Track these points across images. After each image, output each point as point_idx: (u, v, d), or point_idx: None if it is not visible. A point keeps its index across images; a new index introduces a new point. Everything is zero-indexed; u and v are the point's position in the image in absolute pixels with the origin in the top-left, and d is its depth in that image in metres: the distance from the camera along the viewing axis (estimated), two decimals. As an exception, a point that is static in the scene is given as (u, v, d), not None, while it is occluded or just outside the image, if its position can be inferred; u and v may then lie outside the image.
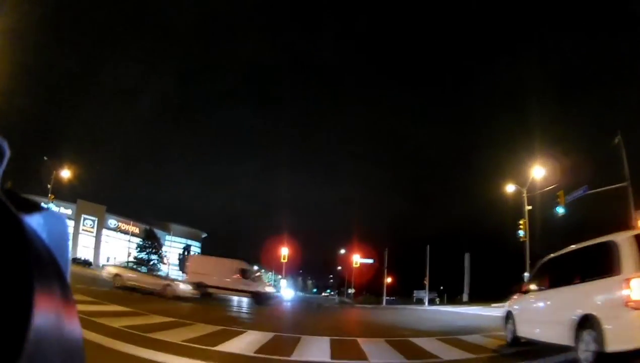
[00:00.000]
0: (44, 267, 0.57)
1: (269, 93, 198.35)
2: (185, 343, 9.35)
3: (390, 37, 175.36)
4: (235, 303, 33.53)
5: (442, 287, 72.36)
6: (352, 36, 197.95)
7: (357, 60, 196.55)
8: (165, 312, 15.03)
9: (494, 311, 28.09)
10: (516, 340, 11.10)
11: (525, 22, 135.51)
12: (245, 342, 10.58)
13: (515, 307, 11.85)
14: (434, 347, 11.28)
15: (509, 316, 11.96)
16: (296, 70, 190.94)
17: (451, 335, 14.06)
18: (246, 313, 22.23)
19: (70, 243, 0.76)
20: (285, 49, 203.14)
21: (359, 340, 12.44)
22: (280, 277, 74.15)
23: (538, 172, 37.54)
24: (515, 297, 12.46)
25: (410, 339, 13.01)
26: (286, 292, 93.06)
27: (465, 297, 65.16)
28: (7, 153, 0.68)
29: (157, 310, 15.54)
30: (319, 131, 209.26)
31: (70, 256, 0.74)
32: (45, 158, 51.16)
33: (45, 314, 0.53)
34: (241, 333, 12.00)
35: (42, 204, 0.69)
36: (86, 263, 79.26)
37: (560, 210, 32.73)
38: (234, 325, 13.56)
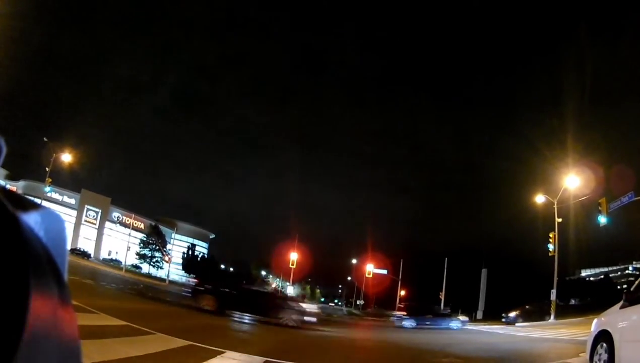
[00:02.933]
0: (41, 266, 0.57)
1: (283, 92, 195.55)
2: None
3: (412, 37, 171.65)
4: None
5: (451, 303, 69.07)
6: (371, 36, 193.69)
7: (375, 61, 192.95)
8: (118, 312, 11.16)
9: (526, 331, 25.26)
10: None
11: (563, 22, 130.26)
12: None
13: (618, 323, 7.91)
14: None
15: (600, 337, 8.27)
16: (313, 70, 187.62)
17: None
18: (224, 319, 17.90)
19: (68, 242, 0.75)
20: (301, 48, 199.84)
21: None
22: (288, 283, 70.66)
23: (571, 181, 34.38)
24: (613, 311, 8.48)
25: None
26: None
27: (479, 315, 61.52)
28: (4, 150, 0.67)
29: (108, 308, 11.62)
30: (334, 134, 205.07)
31: (67, 255, 0.73)
32: (45, 139, 48.47)
33: (42, 315, 0.53)
34: (216, 354, 8.02)
35: (40, 203, 0.70)
36: (85, 255, 76.55)
37: (602, 219, 29.36)
38: (206, 340, 9.48)
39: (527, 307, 39.66)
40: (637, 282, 8.22)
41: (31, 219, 0.61)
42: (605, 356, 8.02)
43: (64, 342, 0.60)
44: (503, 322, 38.32)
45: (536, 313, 37.04)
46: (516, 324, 34.18)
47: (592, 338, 8.81)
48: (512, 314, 38.27)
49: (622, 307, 8.09)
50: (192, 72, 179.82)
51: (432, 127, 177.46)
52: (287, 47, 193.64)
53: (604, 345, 8.16)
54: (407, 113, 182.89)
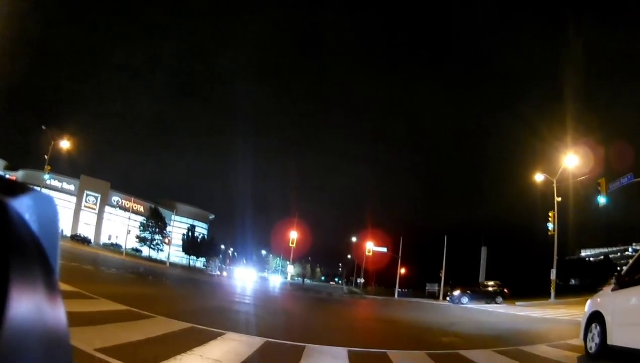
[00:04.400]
0: (26, 254, 0.56)
1: (280, 70, 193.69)
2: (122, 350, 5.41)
3: (410, 12, 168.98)
4: (213, 286, 29.82)
5: (451, 282, 69.27)
6: (369, 8, 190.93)
7: (374, 33, 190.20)
8: (118, 297, 11.17)
9: (526, 311, 25.28)
10: (604, 351, 7.99)
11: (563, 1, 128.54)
12: (218, 354, 6.67)
13: (609, 305, 8.40)
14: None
15: (594, 318, 8.73)
16: (309, 47, 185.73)
17: (509, 345, 10.34)
18: (224, 302, 18.10)
19: (60, 226, 0.73)
20: (297, 25, 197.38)
21: (391, 354, 8.38)
22: (288, 262, 70.87)
23: (571, 160, 34.30)
24: (604, 293, 9.02)
25: (461, 352, 9.03)
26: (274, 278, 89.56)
27: (479, 293, 61.70)
28: None
29: (108, 293, 11.63)
30: (333, 107, 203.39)
31: (59, 240, 0.71)
32: (43, 127, 48.48)
33: (25, 303, 0.52)
34: (216, 336, 8.04)
35: (31, 186, 0.67)
36: (85, 241, 76.58)
37: (601, 199, 29.41)
38: (207, 322, 9.51)
39: (471, 287, 39.32)
40: (628, 266, 8.73)
41: (22, 204, 0.59)
42: (597, 337, 8.40)
43: (52, 333, 0.58)
44: (447, 301, 38.25)
45: (481, 293, 36.85)
46: (515, 303, 34.17)
47: (585, 319, 9.16)
48: (456, 293, 37.71)
49: (613, 290, 8.49)
50: (188, 53, 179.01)
51: (433, 104, 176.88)
52: (282, 25, 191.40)
53: (597, 326, 8.53)
54: (407, 89, 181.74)
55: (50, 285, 0.59)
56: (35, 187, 0.66)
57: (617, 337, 7.80)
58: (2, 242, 0.52)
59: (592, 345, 8.64)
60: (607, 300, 8.73)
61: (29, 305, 0.53)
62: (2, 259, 0.50)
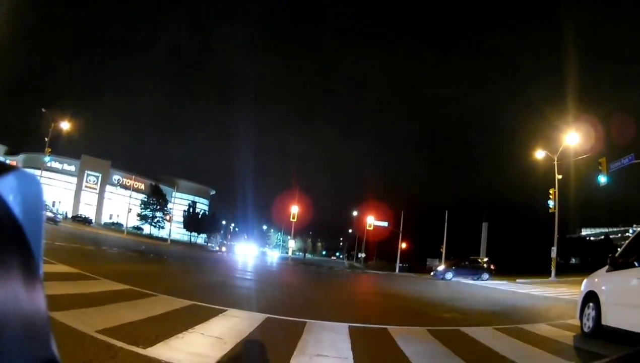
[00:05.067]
0: (1, 238, 0.54)
1: (282, 42, 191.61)
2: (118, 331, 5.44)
3: None
4: (214, 262, 29.91)
5: (452, 256, 69.48)
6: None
7: (378, 7, 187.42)
8: (120, 276, 11.22)
9: (527, 289, 25.50)
10: (599, 330, 8.24)
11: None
12: (219, 331, 6.72)
13: (604, 286, 8.67)
14: (499, 345, 7.61)
15: (589, 298, 9.00)
16: (310, 20, 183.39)
17: (509, 324, 10.34)
18: (225, 278, 18.19)
19: (44, 205, 0.72)
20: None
21: (391, 329, 8.44)
22: (289, 237, 71.10)
23: (572, 138, 34.15)
24: (600, 274, 9.22)
25: (462, 329, 9.09)
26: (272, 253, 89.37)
27: (480, 269, 61.97)
28: None
29: (110, 273, 11.67)
30: (334, 79, 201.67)
31: (44, 221, 0.70)
32: (43, 110, 48.49)
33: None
34: (217, 313, 8.11)
35: (13, 165, 0.65)
36: (86, 221, 76.94)
37: (602, 179, 29.37)
38: (208, 299, 9.58)
39: (457, 262, 38.67)
40: (622, 248, 8.92)
41: (4, 184, 0.58)
42: (593, 314, 8.62)
43: (29, 321, 0.56)
44: (432, 276, 38.03)
45: (467, 269, 36.34)
46: (516, 280, 34.21)
47: (581, 298, 9.43)
48: (441, 268, 37.71)
49: (608, 271, 8.79)
50: (188, 27, 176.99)
51: (435, 80, 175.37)
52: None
53: (592, 305, 8.78)
54: (409, 64, 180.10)
55: (29, 270, 0.57)
56: (40, 171, 0.65)
57: (611, 318, 7.99)
58: None
59: (587, 324, 8.82)
60: (602, 281, 8.94)
61: (3, 292, 0.51)
62: None
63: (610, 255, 9.02)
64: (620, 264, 8.42)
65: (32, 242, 0.61)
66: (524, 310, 14.30)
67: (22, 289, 0.54)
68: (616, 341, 7.78)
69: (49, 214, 39.99)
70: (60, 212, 64.79)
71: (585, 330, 8.86)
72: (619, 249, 9.37)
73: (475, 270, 35.85)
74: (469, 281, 32.86)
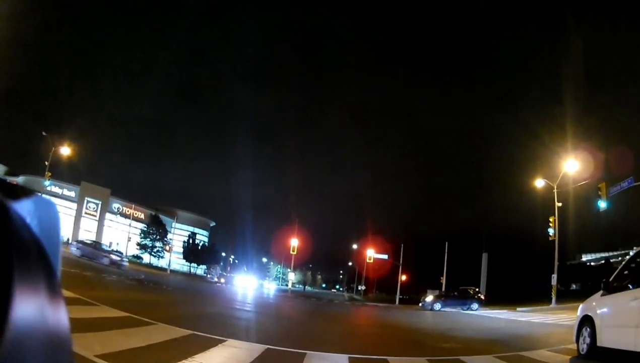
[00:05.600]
0: (28, 257, 0.56)
1: (278, 72, 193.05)
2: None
3: (411, 12, 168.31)
4: (213, 293, 29.68)
5: (452, 288, 69.02)
6: (368, 10, 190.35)
7: (374, 36, 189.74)
8: (119, 303, 11.15)
9: (527, 316, 25.27)
10: (594, 352, 8.65)
11: (562, 3, 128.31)
12: (219, 360, 6.70)
13: (599, 309, 9.09)
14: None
15: (585, 322, 9.40)
16: (308, 52, 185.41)
17: (510, 352, 10.31)
18: (224, 309, 18.06)
19: (61, 229, 0.74)
20: (296, 27, 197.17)
21: (391, 360, 8.39)
22: (289, 270, 70.76)
23: (571, 166, 34.32)
24: (596, 298, 9.65)
25: (461, 358, 9.02)
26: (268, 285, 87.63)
27: (481, 299, 61.49)
28: None
29: (109, 300, 11.61)
30: (332, 112, 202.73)
31: (61, 243, 0.72)
32: (43, 133, 48.50)
33: (28, 307, 0.52)
34: (217, 343, 8.03)
35: (32, 190, 0.68)
36: (86, 248, 76.01)
37: (602, 204, 29.39)
38: (208, 329, 9.52)
39: (446, 293, 38.52)
40: (615, 273, 9.16)
41: (23, 207, 0.59)
42: (588, 339, 8.98)
43: (53, 335, 0.58)
44: (420, 307, 37.48)
45: (456, 299, 35.90)
46: (517, 309, 33.91)
47: (577, 322, 9.79)
48: (429, 299, 37.07)
49: (602, 295, 9.17)
50: (186, 57, 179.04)
51: (433, 109, 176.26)
52: (280, 27, 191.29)
53: (588, 329, 9.12)
54: (407, 94, 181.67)
55: (52, 287, 0.59)
56: (37, 192, 0.67)
57: (605, 339, 8.35)
58: (4, 244, 0.51)
59: (583, 347, 9.18)
60: (596, 304, 9.32)
61: (32, 307, 0.53)
62: (5, 261, 0.50)
63: (604, 279, 9.32)
64: (613, 288, 8.78)
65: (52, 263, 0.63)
66: (524, 338, 14.20)
67: (47, 305, 0.57)
68: (610, 360, 8.08)
69: (115, 257, 40.41)
70: (126, 255, 62.40)
71: (582, 352, 9.19)
72: (614, 273, 9.48)
73: (464, 300, 35.26)
74: (459, 311, 32.61)
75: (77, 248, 38.88)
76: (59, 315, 0.60)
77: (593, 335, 8.80)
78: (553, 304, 33.46)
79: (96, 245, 44.14)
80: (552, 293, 34.45)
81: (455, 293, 37.56)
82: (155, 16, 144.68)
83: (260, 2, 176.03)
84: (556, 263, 35.06)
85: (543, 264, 45.62)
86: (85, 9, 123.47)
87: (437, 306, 34.60)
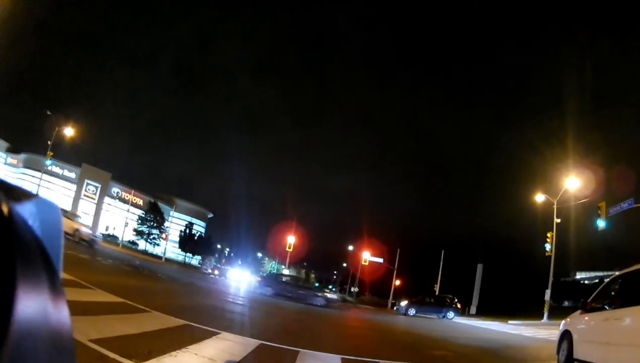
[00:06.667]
0: (31, 259, 0.57)
1: (282, 68, 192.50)
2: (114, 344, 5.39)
3: (415, 16, 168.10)
4: (205, 285, 29.68)
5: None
6: (373, 12, 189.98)
7: (379, 41, 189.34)
8: (114, 288, 11.14)
9: (519, 330, 25.35)
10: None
11: (565, 20, 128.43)
12: (212, 353, 6.66)
13: (576, 326, 10.19)
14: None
15: (564, 336, 10.53)
16: (314, 48, 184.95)
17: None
18: (219, 301, 18.04)
19: (63, 231, 0.74)
20: (302, 24, 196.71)
21: (384, 364, 8.40)
22: (283, 266, 70.67)
23: (572, 182, 34.31)
24: (575, 315, 10.72)
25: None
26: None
27: (473, 310, 61.49)
28: None
29: (104, 284, 11.59)
30: (334, 114, 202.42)
31: (63, 246, 0.72)
32: (48, 112, 48.46)
33: (31, 307, 0.53)
34: (212, 335, 8.04)
35: (34, 192, 0.68)
36: (83, 230, 76.07)
37: (601, 223, 29.52)
38: (202, 320, 9.52)
39: (421, 298, 38.05)
40: (593, 294, 10.08)
41: (25, 209, 0.60)
42: (565, 352, 10.03)
43: (56, 335, 0.59)
44: (395, 310, 37.42)
45: (431, 305, 35.77)
46: (508, 321, 33.84)
47: (559, 336, 10.92)
48: (403, 303, 36.65)
49: (581, 313, 10.12)
50: (193, 46, 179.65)
51: (434, 117, 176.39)
52: (288, 24, 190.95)
53: (566, 342, 10.18)
54: (409, 101, 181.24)
55: (54, 288, 0.60)
56: (41, 174, 0.66)
57: (580, 352, 9.35)
58: (7, 245, 0.52)
59: (561, 358, 10.27)
60: (575, 321, 10.37)
61: (34, 308, 0.53)
62: (8, 262, 0.51)
63: (582, 300, 10.19)
64: (590, 308, 9.70)
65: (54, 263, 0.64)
66: (515, 350, 14.25)
67: (49, 306, 0.58)
68: None
69: (85, 231, 32.11)
70: (122, 239, 60.38)
71: (560, 362, 10.36)
72: (592, 295, 10.31)
73: (439, 308, 34.98)
74: (434, 318, 32.66)
75: None
76: (61, 315, 0.61)
77: (570, 348, 9.83)
78: (545, 319, 33.44)
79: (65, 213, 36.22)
80: (545, 309, 34.43)
81: (432, 300, 37.36)
82: (165, 4, 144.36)
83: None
84: (551, 279, 35.02)
85: (537, 279, 45.57)
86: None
87: (412, 311, 34.34)
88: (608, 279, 10.19)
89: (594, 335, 9.14)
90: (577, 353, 9.43)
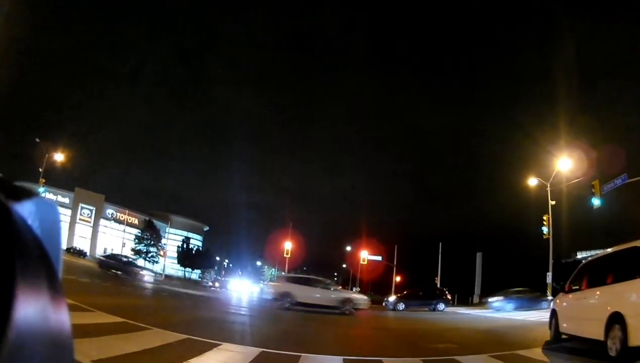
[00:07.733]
0: (30, 257, 0.56)
1: (269, 75, 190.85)
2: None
3: (404, 12, 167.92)
4: (205, 298, 29.67)
5: (447, 288, 68.97)
6: (360, 13, 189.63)
7: (363, 40, 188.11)
8: (114, 309, 11.18)
9: (523, 315, 25.43)
10: (557, 336, 11.46)
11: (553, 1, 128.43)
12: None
13: (560, 305, 12.05)
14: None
15: (553, 314, 12.23)
16: (298, 52, 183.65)
17: (505, 350, 10.42)
18: (219, 313, 18.05)
19: (62, 231, 0.75)
20: (286, 28, 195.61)
21: (386, 361, 8.48)
22: (283, 273, 70.43)
23: (564, 164, 34.43)
24: (559, 296, 12.61)
25: (456, 358, 9.09)
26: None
27: (475, 299, 61.51)
28: None
29: (104, 306, 11.63)
30: (323, 114, 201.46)
31: (62, 244, 0.72)
32: (37, 140, 48.31)
33: (30, 307, 0.52)
34: (212, 347, 8.10)
35: (34, 191, 0.68)
36: (80, 254, 76.25)
37: (596, 201, 29.54)
38: (202, 333, 9.56)
39: (410, 292, 37.79)
40: (571, 277, 11.68)
41: (25, 209, 0.60)
42: (554, 327, 11.73)
43: (55, 336, 0.58)
44: (384, 306, 37.00)
45: (420, 299, 35.01)
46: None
47: (549, 315, 12.72)
48: (392, 299, 36.67)
49: (563, 295, 11.94)
50: (175, 59, 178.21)
51: (425, 109, 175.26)
52: (270, 29, 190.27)
53: (554, 319, 11.86)
54: (398, 95, 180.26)
55: (54, 288, 0.59)
56: (39, 191, 0.70)
57: (563, 327, 11.12)
58: (7, 245, 0.52)
59: (551, 333, 11.95)
60: (559, 301, 12.24)
61: (34, 308, 0.53)
62: (7, 262, 0.51)
63: (561, 282, 12.44)
64: (569, 290, 11.43)
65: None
66: (519, 336, 14.31)
67: (49, 306, 0.57)
68: (567, 341, 10.83)
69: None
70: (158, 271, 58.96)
71: (550, 336, 12.00)
72: (571, 276, 11.92)
73: (429, 300, 34.34)
74: (425, 310, 32.46)
75: None
76: (61, 316, 0.60)
77: (557, 324, 11.54)
78: (549, 302, 33.44)
79: None
80: (548, 292, 34.50)
81: (420, 292, 36.68)
82: (144, 19, 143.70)
83: (245, 2, 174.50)
84: (551, 261, 35.08)
85: (538, 263, 45.67)
86: (76, 13, 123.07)
87: (401, 306, 33.89)
88: (580, 265, 11.99)
89: (571, 312, 11.07)
90: (562, 328, 11.24)
